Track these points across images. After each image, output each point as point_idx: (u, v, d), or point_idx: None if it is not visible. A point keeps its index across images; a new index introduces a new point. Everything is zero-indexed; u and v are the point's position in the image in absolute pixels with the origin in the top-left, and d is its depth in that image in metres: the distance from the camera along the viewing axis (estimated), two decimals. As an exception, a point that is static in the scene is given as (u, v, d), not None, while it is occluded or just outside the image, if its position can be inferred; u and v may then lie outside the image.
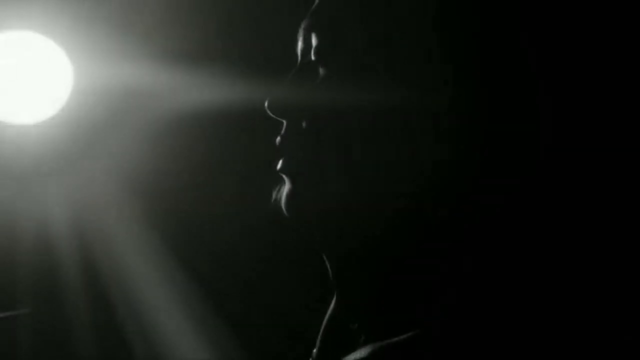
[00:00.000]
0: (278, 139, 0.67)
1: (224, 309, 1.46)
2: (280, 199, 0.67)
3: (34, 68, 1.48)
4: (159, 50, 1.47)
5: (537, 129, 0.59)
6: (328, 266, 0.67)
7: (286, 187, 0.66)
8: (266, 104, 0.67)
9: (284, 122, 0.67)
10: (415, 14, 0.61)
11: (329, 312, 0.70)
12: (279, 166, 0.66)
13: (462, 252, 0.60)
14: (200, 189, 1.52)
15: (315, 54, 0.66)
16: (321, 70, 0.65)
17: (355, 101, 0.62)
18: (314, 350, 0.70)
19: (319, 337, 0.69)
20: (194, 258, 1.51)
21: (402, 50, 0.61)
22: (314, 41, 0.66)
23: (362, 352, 0.57)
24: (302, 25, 0.68)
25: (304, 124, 0.65)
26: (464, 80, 0.60)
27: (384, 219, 0.63)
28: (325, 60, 0.65)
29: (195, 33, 1.47)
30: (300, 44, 0.68)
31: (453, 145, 0.60)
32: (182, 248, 1.51)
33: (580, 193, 0.60)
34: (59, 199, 1.52)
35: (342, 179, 0.63)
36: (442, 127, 0.60)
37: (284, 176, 0.66)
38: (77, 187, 1.52)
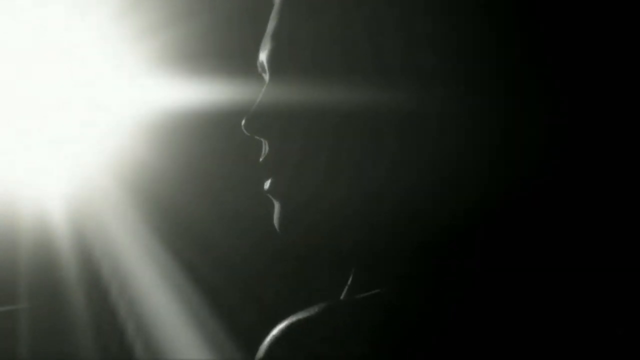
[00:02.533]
0: (261, 158, 0.66)
1: (224, 308, 1.46)
2: (273, 220, 0.66)
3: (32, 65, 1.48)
4: (159, 50, 1.47)
5: (551, 128, 0.59)
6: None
7: (276, 208, 0.65)
8: (242, 124, 0.66)
9: (265, 141, 0.66)
10: (415, 10, 0.61)
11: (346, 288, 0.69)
12: (266, 187, 0.66)
13: (466, 250, 0.60)
14: (199, 189, 1.51)
15: (282, 70, 0.65)
16: (293, 85, 0.64)
17: (333, 113, 0.62)
18: None
19: None
20: (193, 257, 1.51)
21: (402, 48, 0.61)
22: (279, 59, 0.65)
23: (317, 306, 0.57)
24: (263, 47, 0.67)
25: (285, 141, 0.64)
26: (472, 78, 0.59)
27: (383, 212, 0.63)
28: (296, 76, 0.64)
29: (194, 32, 1.47)
30: (263, 62, 0.67)
31: (454, 143, 0.60)
32: (181, 247, 1.51)
33: (594, 193, 0.60)
34: (59, 197, 1.52)
35: (331, 192, 0.63)
36: (446, 122, 0.60)
37: (271, 197, 0.66)
38: (76, 185, 1.52)
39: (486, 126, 0.59)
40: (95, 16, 1.47)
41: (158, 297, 1.50)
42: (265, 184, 0.65)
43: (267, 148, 0.65)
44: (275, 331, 0.57)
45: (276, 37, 0.65)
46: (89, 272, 1.51)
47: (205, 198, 1.51)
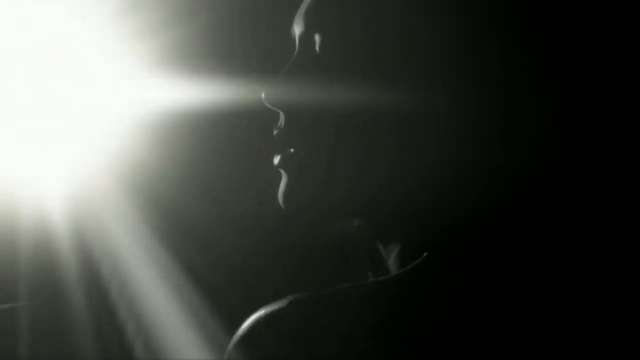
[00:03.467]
0: (275, 131, 0.66)
1: (224, 308, 1.46)
2: (278, 193, 0.66)
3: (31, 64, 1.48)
4: (159, 50, 1.47)
5: (552, 128, 0.59)
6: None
7: (283, 182, 0.66)
8: (263, 94, 0.66)
9: (281, 114, 0.66)
10: (415, 10, 0.61)
11: None
12: (276, 161, 0.66)
13: (466, 250, 0.60)
14: (199, 189, 1.51)
15: (310, 48, 0.65)
16: (318, 64, 0.64)
17: (352, 95, 0.62)
18: None
19: None
20: (193, 257, 1.51)
21: (402, 47, 0.61)
22: (308, 35, 0.65)
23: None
24: (296, 19, 0.67)
25: (301, 117, 0.64)
26: (471, 78, 0.59)
27: (383, 211, 0.63)
28: (321, 55, 0.64)
29: (194, 32, 1.47)
30: (295, 37, 0.68)
31: (454, 143, 0.60)
32: (181, 247, 1.51)
33: (594, 193, 0.60)
34: (59, 197, 1.52)
35: (339, 172, 0.63)
36: (446, 122, 0.60)
37: (281, 170, 0.66)
38: (76, 185, 1.52)
39: (486, 126, 0.59)
40: (95, 16, 1.47)
41: (158, 297, 1.50)
42: (276, 158, 0.66)
43: (282, 121, 0.66)
44: (241, 330, 0.58)
45: (303, 21, 0.66)
46: (89, 272, 1.51)
47: (205, 198, 1.51)
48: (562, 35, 0.59)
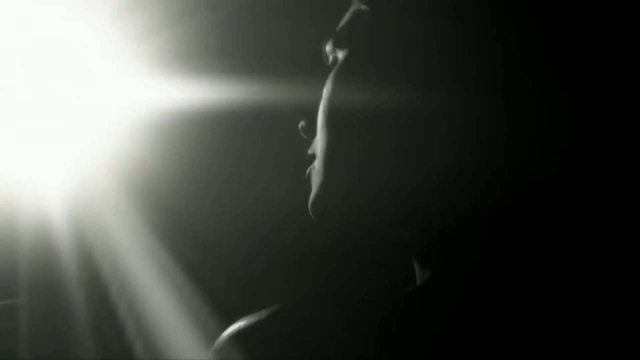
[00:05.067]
0: (309, 152, 0.67)
1: (224, 308, 1.46)
2: (309, 205, 0.67)
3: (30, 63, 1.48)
4: (159, 50, 1.47)
5: (554, 128, 0.59)
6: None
7: (311, 195, 0.66)
8: (300, 127, 0.68)
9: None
10: (416, 12, 0.61)
11: None
12: (306, 174, 0.67)
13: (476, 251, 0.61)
14: (199, 189, 1.52)
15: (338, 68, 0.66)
16: (347, 85, 0.65)
17: (382, 111, 0.62)
18: None
19: None
20: (193, 257, 1.51)
21: (424, 57, 0.61)
22: (338, 57, 0.66)
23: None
24: (325, 43, 0.68)
25: (335, 137, 0.65)
26: (472, 79, 0.60)
27: (415, 220, 0.64)
28: (351, 76, 0.65)
29: (194, 31, 1.47)
30: (325, 58, 0.68)
31: (456, 148, 0.60)
32: (181, 247, 1.51)
33: (596, 193, 0.60)
34: (59, 197, 1.52)
35: (372, 184, 0.63)
36: (469, 130, 0.60)
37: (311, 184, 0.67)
38: (76, 185, 1.52)
39: (487, 127, 0.60)
40: (95, 16, 1.47)
41: (158, 297, 1.50)
42: (307, 171, 0.67)
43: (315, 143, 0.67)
44: (226, 334, 0.59)
45: (335, 42, 0.67)
46: (89, 272, 1.51)
47: (205, 198, 1.51)
48: (562, 37, 0.59)
